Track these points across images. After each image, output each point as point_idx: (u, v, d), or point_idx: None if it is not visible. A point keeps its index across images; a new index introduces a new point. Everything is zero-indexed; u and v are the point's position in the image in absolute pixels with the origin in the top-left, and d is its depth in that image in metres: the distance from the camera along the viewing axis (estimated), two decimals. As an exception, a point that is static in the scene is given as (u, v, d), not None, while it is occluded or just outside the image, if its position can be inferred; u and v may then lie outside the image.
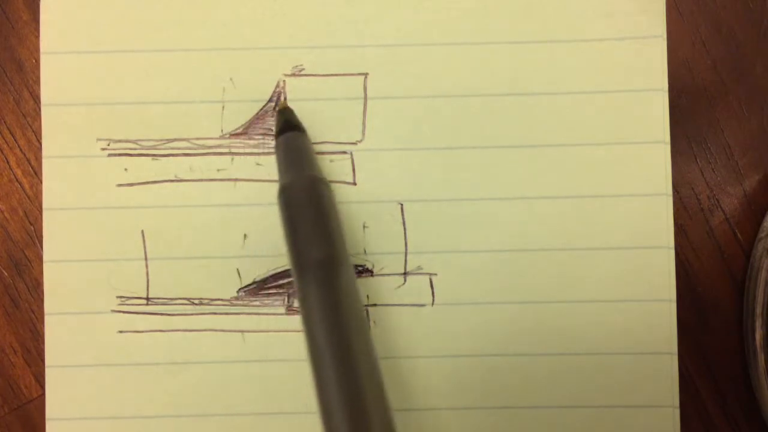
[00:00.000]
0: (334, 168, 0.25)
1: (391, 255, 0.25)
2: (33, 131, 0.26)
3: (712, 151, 0.26)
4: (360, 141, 0.25)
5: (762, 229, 0.25)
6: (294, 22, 0.25)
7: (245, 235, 0.25)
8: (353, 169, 0.25)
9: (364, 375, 0.18)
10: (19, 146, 0.26)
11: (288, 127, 0.23)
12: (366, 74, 0.25)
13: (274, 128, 0.24)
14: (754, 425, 0.26)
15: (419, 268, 0.25)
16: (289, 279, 0.25)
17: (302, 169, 0.22)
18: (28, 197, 0.26)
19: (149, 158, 0.25)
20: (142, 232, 0.25)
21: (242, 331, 0.25)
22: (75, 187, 0.25)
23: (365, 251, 0.25)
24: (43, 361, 0.25)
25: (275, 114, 0.25)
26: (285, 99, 0.25)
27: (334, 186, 0.25)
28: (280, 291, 0.25)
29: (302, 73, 0.25)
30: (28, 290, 0.26)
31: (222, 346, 0.25)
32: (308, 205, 0.21)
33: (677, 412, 0.24)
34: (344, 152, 0.25)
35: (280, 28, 0.25)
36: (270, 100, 0.25)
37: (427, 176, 0.25)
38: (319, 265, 0.19)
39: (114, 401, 0.25)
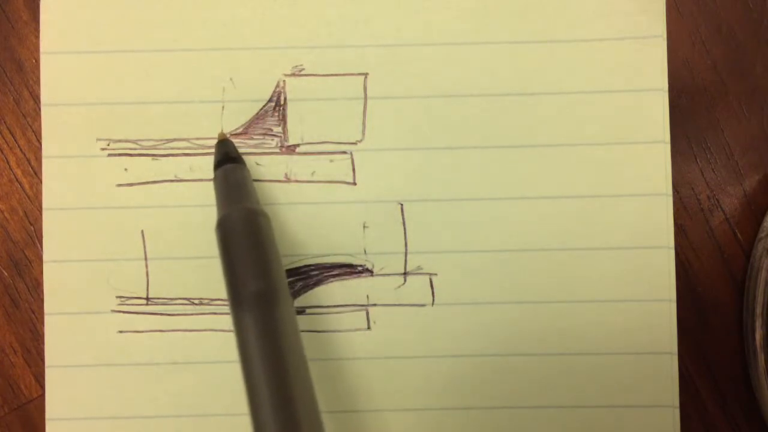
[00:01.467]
0: (334, 168, 0.25)
1: (391, 255, 0.25)
2: (33, 131, 0.26)
3: (712, 151, 0.26)
4: (360, 141, 0.25)
5: (762, 229, 0.25)
6: (294, 22, 0.25)
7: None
8: (353, 169, 0.25)
9: (301, 409, 0.18)
10: (19, 146, 0.26)
11: (226, 159, 0.23)
12: (366, 74, 0.25)
13: (214, 159, 0.24)
14: (754, 425, 0.26)
15: (419, 268, 0.25)
16: (289, 279, 0.25)
17: (239, 201, 0.22)
18: (28, 197, 0.26)
19: (149, 158, 0.25)
20: (142, 232, 0.25)
21: (242, 331, 0.25)
22: (75, 187, 0.25)
23: (365, 251, 0.25)
24: (43, 361, 0.25)
25: (215, 145, 0.24)
26: (285, 98, 0.25)
27: (334, 186, 0.25)
28: (280, 291, 0.25)
29: (302, 73, 0.25)
30: (28, 290, 0.26)
31: (222, 346, 0.25)
32: (245, 237, 0.20)
33: (677, 412, 0.24)
34: (344, 152, 0.25)
35: (280, 28, 0.25)
36: (270, 100, 0.25)
37: (427, 176, 0.25)
38: (256, 297, 0.19)
39: (114, 401, 0.25)
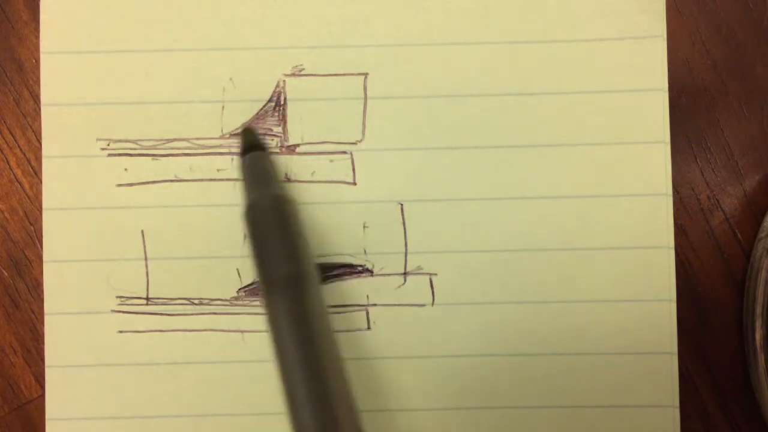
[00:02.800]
0: (334, 168, 0.25)
1: (391, 255, 0.25)
2: (33, 131, 0.26)
3: (712, 151, 0.26)
4: (360, 141, 0.25)
5: (762, 229, 0.25)
6: (294, 22, 0.25)
7: (245, 235, 0.25)
8: (353, 169, 0.25)
9: (334, 387, 0.19)
10: (19, 146, 0.26)
11: (252, 146, 0.24)
12: (366, 74, 0.25)
13: (240, 147, 0.24)
14: (754, 425, 0.26)
15: (419, 268, 0.25)
16: (289, 279, 0.25)
17: (267, 188, 0.22)
18: (28, 197, 0.26)
19: (149, 158, 0.25)
20: (142, 232, 0.25)
21: (242, 331, 0.25)
22: (75, 187, 0.25)
23: (365, 251, 0.25)
24: (43, 361, 0.25)
25: (240, 134, 0.25)
26: (285, 98, 0.25)
27: (334, 186, 0.25)
28: (280, 291, 0.25)
29: (302, 73, 0.25)
30: (28, 290, 0.26)
31: (222, 346, 0.25)
32: (274, 222, 0.21)
33: (677, 412, 0.24)
34: (344, 152, 0.25)
35: (280, 28, 0.25)
36: (270, 100, 0.25)
37: (427, 176, 0.25)
38: (286, 280, 0.20)
39: (114, 401, 0.25)
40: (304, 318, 0.19)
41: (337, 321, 0.25)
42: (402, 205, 0.25)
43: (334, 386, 0.19)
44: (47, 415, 0.25)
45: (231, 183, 0.25)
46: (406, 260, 0.25)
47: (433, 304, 0.25)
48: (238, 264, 0.25)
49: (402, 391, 0.25)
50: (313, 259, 0.21)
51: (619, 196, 0.25)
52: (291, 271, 0.20)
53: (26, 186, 0.26)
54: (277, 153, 0.25)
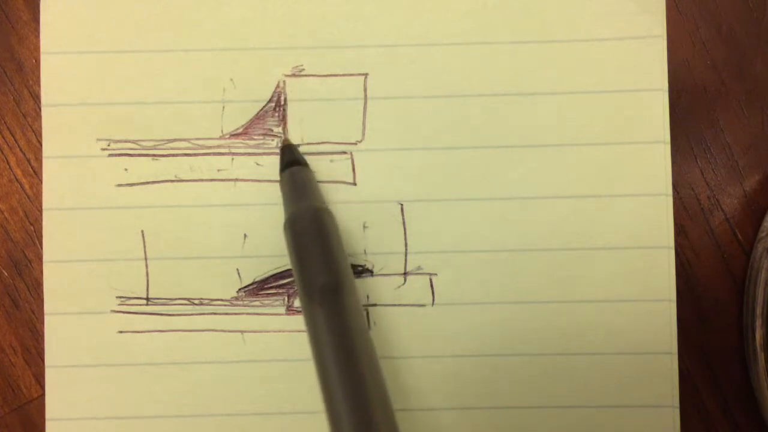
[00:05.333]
0: (334, 168, 0.25)
1: (391, 255, 0.25)
2: (33, 131, 0.26)
3: (712, 151, 0.26)
4: (360, 141, 0.25)
5: (762, 229, 0.25)
6: (294, 22, 0.25)
7: (245, 235, 0.25)
8: (353, 169, 0.25)
9: (373, 396, 0.19)
10: (19, 146, 0.26)
11: (292, 161, 0.24)
12: (366, 74, 0.25)
13: (280, 163, 0.25)
14: (754, 425, 0.26)
15: (419, 268, 0.25)
16: (289, 279, 0.25)
17: (307, 200, 0.23)
18: (28, 197, 0.26)
19: (149, 158, 0.25)
20: (142, 232, 0.25)
21: (242, 331, 0.25)
22: (75, 187, 0.25)
23: (365, 251, 0.25)
24: (43, 361, 0.25)
25: (279, 149, 0.25)
26: (285, 98, 0.25)
27: (334, 186, 0.25)
28: (280, 291, 0.25)
29: (302, 73, 0.25)
30: (28, 290, 0.26)
31: (222, 346, 0.25)
32: (313, 234, 0.22)
33: (677, 412, 0.24)
34: (344, 152, 0.25)
35: (280, 28, 0.25)
36: (270, 101, 0.25)
37: (427, 176, 0.25)
38: (326, 289, 0.21)
39: (114, 401, 0.25)
40: (343, 327, 0.20)
41: (337, 321, 0.25)
42: (402, 205, 0.25)
43: (374, 395, 0.19)
44: (47, 415, 0.25)
45: (231, 183, 0.25)
46: (406, 260, 0.25)
47: (433, 304, 0.25)
48: (238, 264, 0.25)
49: (402, 391, 0.25)
50: (350, 270, 0.22)
51: (619, 196, 0.25)
52: (330, 282, 0.21)
53: (26, 186, 0.26)
54: (277, 153, 0.25)
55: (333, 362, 0.19)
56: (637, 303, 0.25)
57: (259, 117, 0.25)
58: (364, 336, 0.20)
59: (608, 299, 0.25)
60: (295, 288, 0.25)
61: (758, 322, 0.25)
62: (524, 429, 0.24)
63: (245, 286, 0.25)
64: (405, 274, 0.25)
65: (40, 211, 0.25)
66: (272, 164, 0.25)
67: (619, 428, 0.24)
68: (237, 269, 0.25)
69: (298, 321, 0.25)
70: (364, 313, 0.21)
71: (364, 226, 0.25)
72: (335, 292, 0.21)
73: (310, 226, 0.22)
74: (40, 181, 0.25)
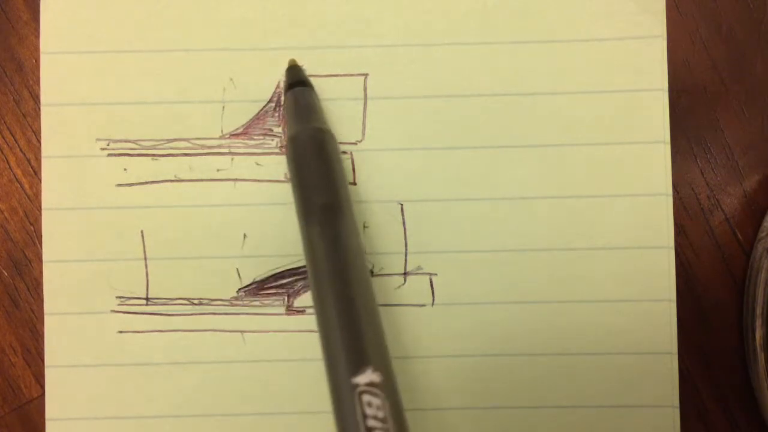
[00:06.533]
0: (334, 168, 0.25)
1: (391, 255, 0.25)
2: (33, 131, 0.26)
3: (712, 151, 0.26)
4: (360, 141, 0.25)
5: (762, 229, 0.25)
6: (294, 22, 0.25)
7: (245, 235, 0.25)
8: (353, 169, 0.25)
9: (364, 311, 0.19)
10: (19, 146, 0.26)
11: (297, 82, 0.24)
12: (366, 74, 0.25)
13: (284, 83, 0.25)
14: (754, 425, 0.26)
15: (419, 268, 0.25)
16: (289, 279, 0.25)
17: (308, 122, 0.23)
18: (28, 197, 0.26)
19: (149, 158, 0.25)
20: (142, 232, 0.25)
21: (242, 331, 0.25)
22: (75, 187, 0.25)
23: (365, 251, 0.25)
24: (43, 361, 0.25)
25: (285, 70, 0.25)
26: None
27: (334, 186, 0.25)
28: (280, 291, 0.25)
29: (302, 73, 0.25)
30: (28, 290, 0.26)
31: (222, 346, 0.25)
32: (313, 154, 0.22)
33: (677, 411, 0.24)
34: (344, 152, 0.25)
35: (280, 28, 0.25)
36: (270, 100, 0.25)
37: (427, 176, 0.25)
38: (323, 210, 0.21)
39: (114, 401, 0.25)
40: (339, 244, 0.20)
41: (337, 321, 0.25)
42: (402, 205, 0.25)
43: (365, 317, 0.19)
44: (47, 415, 0.25)
45: (231, 183, 0.25)
46: (406, 260, 0.25)
47: (433, 304, 0.25)
48: (238, 264, 0.25)
49: (402, 391, 0.25)
50: (348, 191, 0.22)
51: (619, 196, 0.25)
52: (327, 202, 0.21)
53: (26, 186, 0.26)
54: (276, 153, 0.25)
55: (328, 280, 0.19)
56: (637, 303, 0.25)
57: (259, 117, 0.25)
58: (359, 257, 0.20)
59: (608, 299, 0.25)
60: (295, 287, 0.25)
61: (758, 322, 0.25)
62: (524, 429, 0.24)
63: (245, 286, 0.25)
64: (405, 274, 0.25)
65: (40, 211, 0.25)
66: (272, 164, 0.25)
67: (619, 428, 0.24)
68: (237, 269, 0.25)
69: (298, 321, 0.25)
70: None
71: (364, 226, 0.25)
72: (334, 212, 0.21)
73: (310, 147, 0.22)
74: (40, 181, 0.25)
